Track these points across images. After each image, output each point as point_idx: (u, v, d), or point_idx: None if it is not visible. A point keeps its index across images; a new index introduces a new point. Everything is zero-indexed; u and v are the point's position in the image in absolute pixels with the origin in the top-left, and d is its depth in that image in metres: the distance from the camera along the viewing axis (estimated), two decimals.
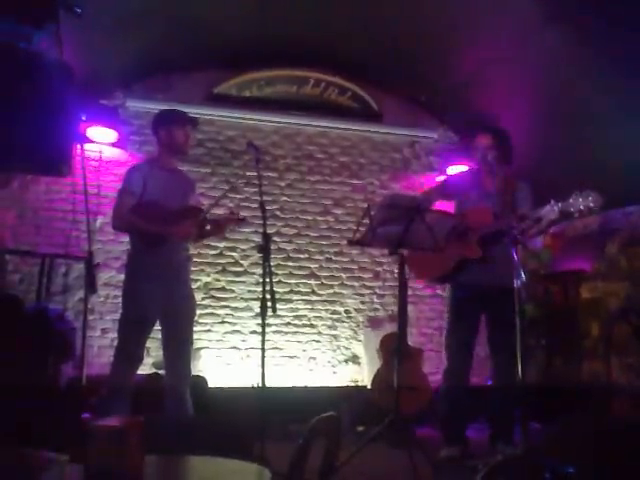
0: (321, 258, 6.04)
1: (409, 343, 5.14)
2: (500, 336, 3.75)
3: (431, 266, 3.91)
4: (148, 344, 3.70)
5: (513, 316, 3.22)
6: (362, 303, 6.08)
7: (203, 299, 5.60)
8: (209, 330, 5.66)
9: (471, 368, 3.90)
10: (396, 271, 3.80)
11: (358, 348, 5.97)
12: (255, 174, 3.73)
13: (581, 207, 3.34)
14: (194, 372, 4.02)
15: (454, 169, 6.04)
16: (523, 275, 3.28)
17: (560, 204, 3.42)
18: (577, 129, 4.98)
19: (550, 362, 5.92)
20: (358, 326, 6.03)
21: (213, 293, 5.73)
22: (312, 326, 5.92)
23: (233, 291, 5.78)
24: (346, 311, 6.03)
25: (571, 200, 3.38)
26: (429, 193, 4.12)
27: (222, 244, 5.75)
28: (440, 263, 3.83)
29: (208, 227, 3.80)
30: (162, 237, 3.51)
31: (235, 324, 5.73)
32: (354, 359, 5.96)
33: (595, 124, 4.80)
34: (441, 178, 6.00)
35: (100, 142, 5.44)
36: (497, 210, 3.74)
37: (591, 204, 3.32)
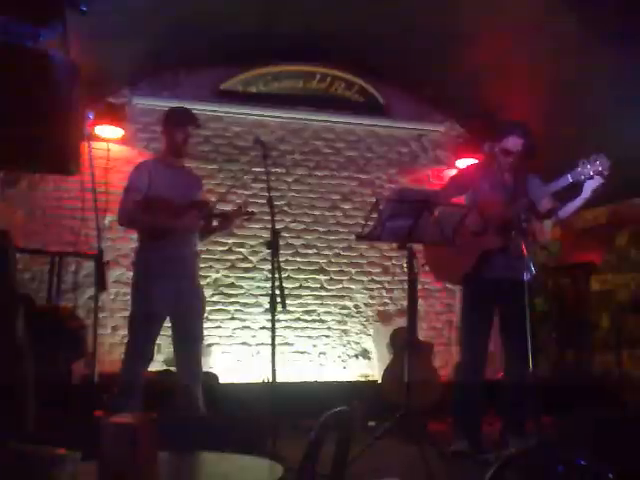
0: (330, 253, 6.03)
1: (419, 337, 5.13)
2: (512, 329, 3.73)
3: (453, 266, 3.86)
4: (159, 341, 3.71)
5: (524, 309, 3.21)
6: (371, 298, 6.07)
7: (212, 295, 5.61)
8: (219, 326, 5.67)
9: (485, 362, 3.88)
10: (405, 265, 3.80)
11: (368, 343, 5.97)
12: (262, 170, 3.73)
13: (591, 173, 3.34)
14: (205, 368, 4.04)
15: (462, 162, 6.01)
16: (533, 268, 3.27)
17: (570, 175, 3.41)
18: (583, 121, 4.95)
19: (561, 355, 5.90)
20: (368, 321, 6.02)
21: (222, 289, 5.74)
22: (322, 321, 5.92)
23: (242, 287, 5.78)
24: (355, 306, 6.02)
25: (579, 168, 3.38)
26: (444, 190, 4.04)
27: (231, 240, 5.75)
28: (462, 261, 3.79)
29: (215, 222, 3.81)
30: (167, 230, 3.52)
31: (245, 320, 5.74)
32: (364, 354, 5.96)
33: (601, 116, 4.77)
34: (450, 172, 5.98)
35: (107, 140, 5.45)
36: (510, 201, 3.71)
37: (600, 168, 3.32)
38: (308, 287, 5.94)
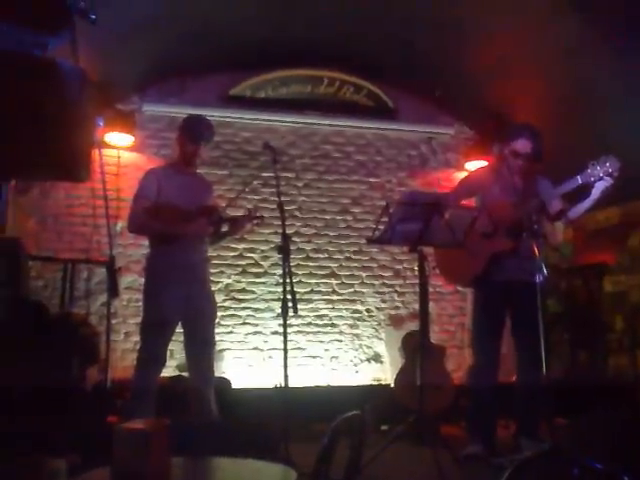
0: (341, 257, 6.03)
1: (431, 340, 5.12)
2: (524, 331, 3.71)
3: (463, 269, 3.85)
4: (171, 346, 3.72)
5: (536, 311, 3.20)
6: (383, 301, 6.06)
7: (224, 301, 5.62)
8: (231, 332, 5.67)
9: (499, 365, 3.86)
10: (416, 268, 3.78)
11: (380, 347, 5.96)
12: (272, 175, 3.73)
13: (601, 174, 3.33)
14: (217, 374, 4.05)
15: (471, 164, 6.00)
16: (545, 269, 3.25)
17: (579, 176, 3.40)
18: (593, 121, 4.92)
19: (574, 357, 5.86)
20: (380, 324, 6.01)
21: (234, 295, 5.74)
22: (333, 325, 5.92)
23: (254, 292, 5.79)
24: (367, 310, 6.01)
25: (589, 170, 3.37)
26: (454, 193, 4.02)
27: (241, 245, 5.76)
28: (472, 263, 3.78)
29: (225, 228, 3.81)
30: (177, 236, 3.53)
31: (256, 325, 5.74)
32: (376, 358, 5.94)
33: (613, 116, 4.74)
34: (460, 174, 5.96)
35: (118, 147, 5.48)
36: (520, 203, 3.69)
37: (609, 169, 3.31)
38: (319, 291, 5.93)
